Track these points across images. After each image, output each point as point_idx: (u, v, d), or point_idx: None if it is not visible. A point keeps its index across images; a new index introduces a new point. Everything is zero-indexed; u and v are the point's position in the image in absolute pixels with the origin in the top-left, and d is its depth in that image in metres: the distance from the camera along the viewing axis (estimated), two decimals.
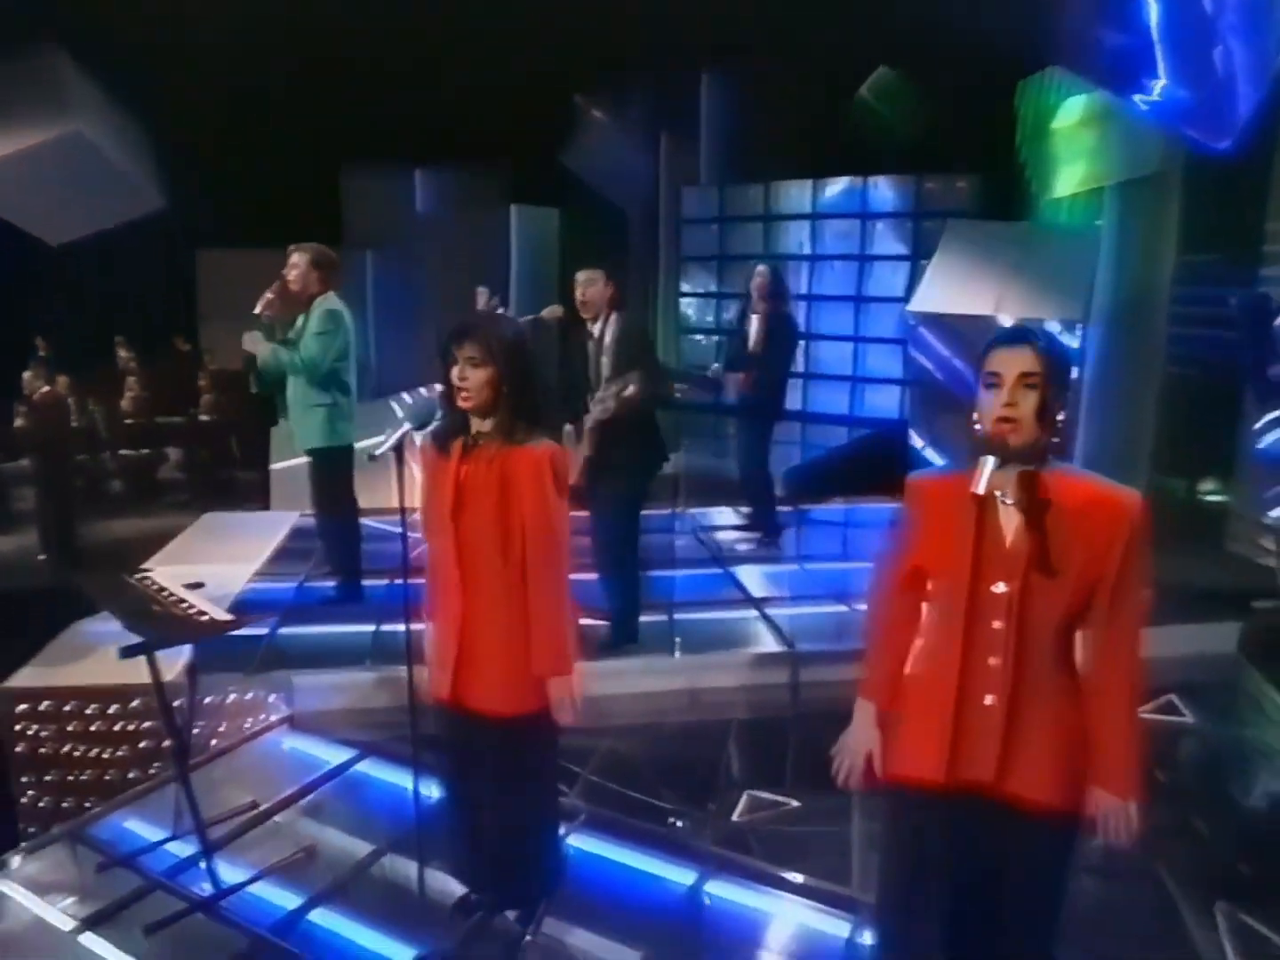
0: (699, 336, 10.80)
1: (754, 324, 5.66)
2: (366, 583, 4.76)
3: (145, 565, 5.25)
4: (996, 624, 1.76)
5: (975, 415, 1.78)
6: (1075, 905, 2.03)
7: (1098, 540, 1.72)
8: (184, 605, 2.52)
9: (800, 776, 3.52)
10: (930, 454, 7.64)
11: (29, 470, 8.44)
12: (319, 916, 2.71)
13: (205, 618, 2.48)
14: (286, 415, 4.93)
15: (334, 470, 4.60)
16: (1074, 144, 6.22)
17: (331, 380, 4.48)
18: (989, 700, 1.78)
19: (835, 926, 2.73)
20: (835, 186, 9.53)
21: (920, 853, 1.89)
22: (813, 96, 8.97)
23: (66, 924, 2.62)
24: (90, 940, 2.57)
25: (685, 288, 10.85)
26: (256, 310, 4.42)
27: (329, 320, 4.37)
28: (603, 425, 3.95)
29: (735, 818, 3.26)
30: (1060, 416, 1.75)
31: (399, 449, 2.26)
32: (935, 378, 7.54)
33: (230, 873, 2.86)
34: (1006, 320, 6.79)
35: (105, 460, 10.11)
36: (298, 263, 4.41)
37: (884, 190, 9.28)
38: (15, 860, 2.90)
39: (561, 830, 2.78)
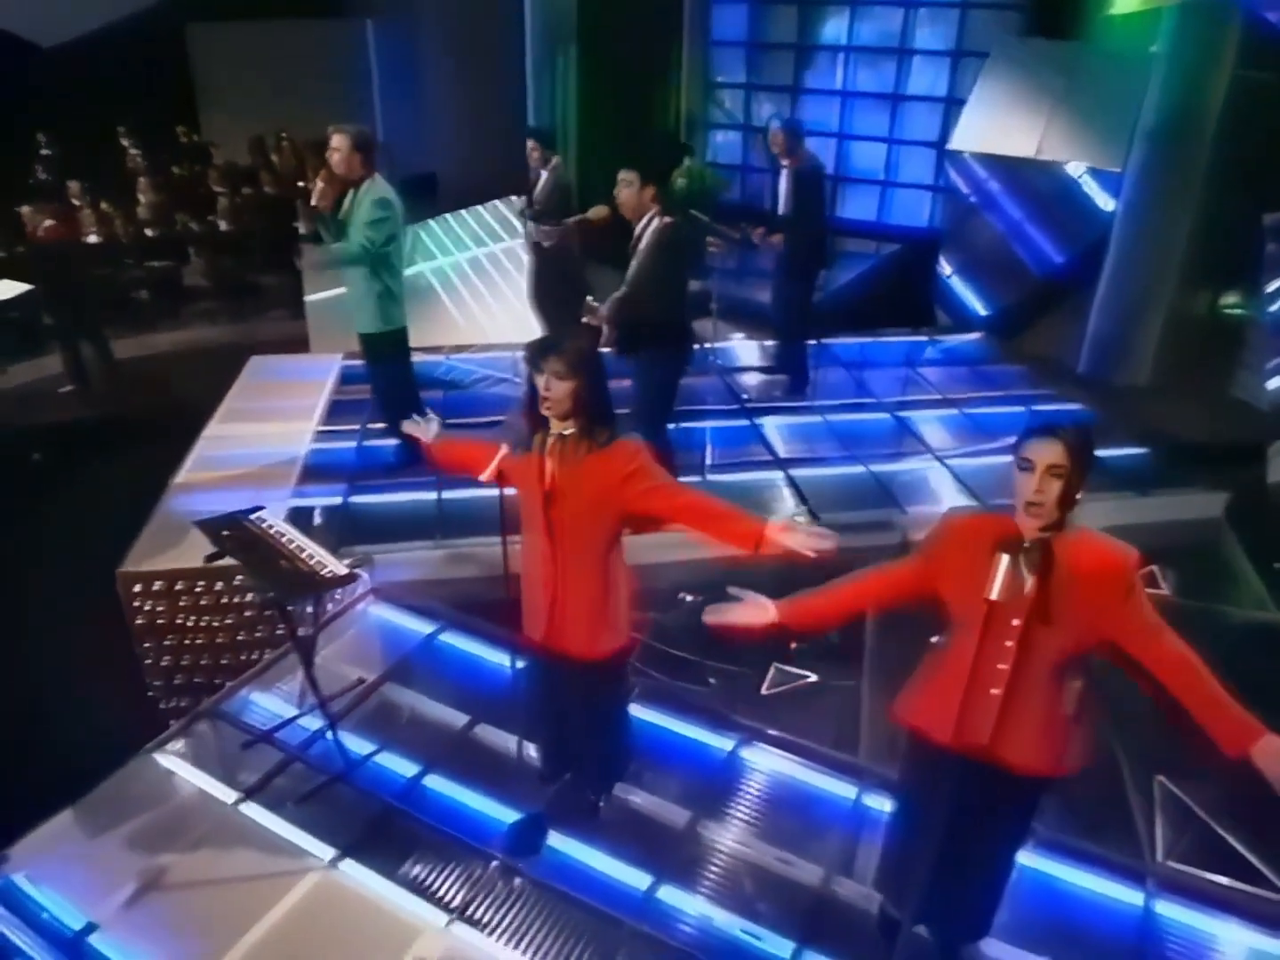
0: (727, 133, 10.34)
1: (782, 183, 5.57)
2: None
3: (206, 429, 5.67)
4: (1008, 643, 2.16)
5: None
6: None
7: (1103, 596, 2.08)
8: (307, 556, 2.93)
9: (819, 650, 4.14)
10: (956, 283, 7.69)
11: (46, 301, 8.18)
12: (431, 782, 3.36)
13: (327, 571, 2.90)
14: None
15: (389, 351, 4.88)
16: None
17: (382, 266, 4.60)
18: (994, 691, 2.23)
19: (845, 789, 3.38)
20: None
21: (928, 787, 2.43)
22: None
23: (228, 796, 3.26)
24: (250, 809, 3.21)
25: (713, 77, 10.23)
26: (313, 202, 4.48)
27: (381, 208, 4.44)
28: (610, 329, 4.20)
29: (764, 690, 3.86)
30: (1079, 496, 2.05)
31: (500, 473, 2.58)
32: (970, 198, 7.43)
33: (350, 742, 3.48)
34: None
35: (129, 267, 10.12)
36: (339, 146, 4.40)
37: None
38: (170, 739, 3.50)
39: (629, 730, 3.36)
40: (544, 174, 6.15)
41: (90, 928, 2.79)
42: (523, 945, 2.79)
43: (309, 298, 7.51)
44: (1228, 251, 6.92)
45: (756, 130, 9.97)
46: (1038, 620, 2.10)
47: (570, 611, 2.77)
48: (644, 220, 4.13)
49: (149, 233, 9.96)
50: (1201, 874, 2.98)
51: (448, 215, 8.76)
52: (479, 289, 8.00)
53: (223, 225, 10.16)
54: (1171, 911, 2.88)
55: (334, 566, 2.94)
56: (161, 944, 2.74)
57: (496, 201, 7.36)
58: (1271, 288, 5.67)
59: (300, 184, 11.62)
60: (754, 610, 2.42)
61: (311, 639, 3.25)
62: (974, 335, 7.22)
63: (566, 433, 2.58)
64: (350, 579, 3.02)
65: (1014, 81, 6.35)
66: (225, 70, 12.42)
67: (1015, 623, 2.13)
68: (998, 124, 6.31)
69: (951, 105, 8.38)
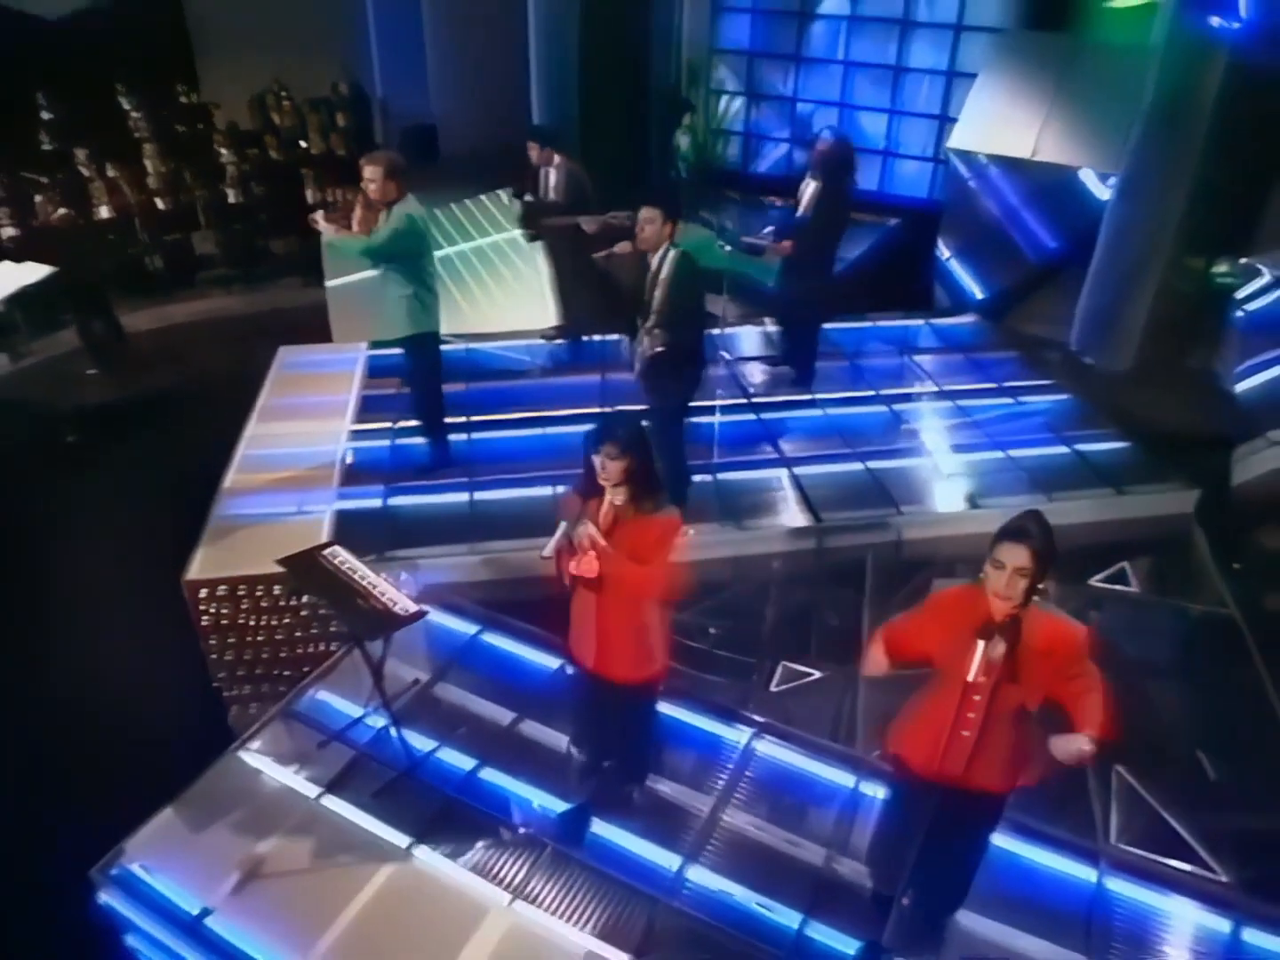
0: (728, 97, 10.39)
1: (807, 191, 5.71)
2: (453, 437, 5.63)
3: (247, 428, 5.98)
4: (977, 697, 2.62)
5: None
6: None
7: (1058, 666, 2.53)
8: (380, 593, 3.34)
9: (823, 642, 4.61)
10: (955, 266, 7.94)
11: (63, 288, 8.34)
12: (487, 775, 3.84)
13: (399, 608, 3.32)
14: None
15: (419, 353, 5.24)
16: None
17: (412, 274, 4.93)
18: (965, 734, 2.70)
19: (844, 778, 3.88)
20: None
21: (911, 808, 2.93)
22: None
23: (310, 791, 3.72)
24: (330, 802, 3.68)
25: (716, 43, 10.25)
26: (353, 228, 4.77)
27: (405, 221, 4.74)
28: (647, 361, 4.57)
29: (773, 688, 4.34)
30: (1042, 587, 2.46)
31: (560, 549, 2.99)
32: (969, 183, 7.63)
33: (409, 737, 3.94)
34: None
35: (141, 234, 10.23)
36: (373, 176, 4.67)
37: None
38: (251, 738, 3.95)
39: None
40: (551, 171, 6.33)
41: (205, 912, 3.29)
42: (574, 919, 3.30)
43: (329, 283, 7.71)
44: (1218, 235, 7.17)
45: (760, 97, 10.08)
46: (1006, 681, 2.54)
47: (615, 645, 3.24)
48: (660, 253, 4.43)
49: (159, 204, 10.06)
50: (1148, 855, 3.50)
51: (452, 204, 8.88)
52: (484, 279, 8.21)
53: (231, 195, 10.25)
54: (1120, 888, 3.39)
55: (404, 603, 3.36)
56: (269, 927, 3.24)
57: (499, 192, 7.49)
58: (1240, 294, 5.97)
59: (302, 144, 11.69)
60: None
61: (381, 659, 3.68)
62: (969, 318, 7.53)
63: (619, 501, 3.00)
64: (420, 615, 3.44)
65: (1011, 80, 6.50)
66: (221, 19, 12.29)
67: (980, 690, 2.58)
68: (995, 124, 6.49)
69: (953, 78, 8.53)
